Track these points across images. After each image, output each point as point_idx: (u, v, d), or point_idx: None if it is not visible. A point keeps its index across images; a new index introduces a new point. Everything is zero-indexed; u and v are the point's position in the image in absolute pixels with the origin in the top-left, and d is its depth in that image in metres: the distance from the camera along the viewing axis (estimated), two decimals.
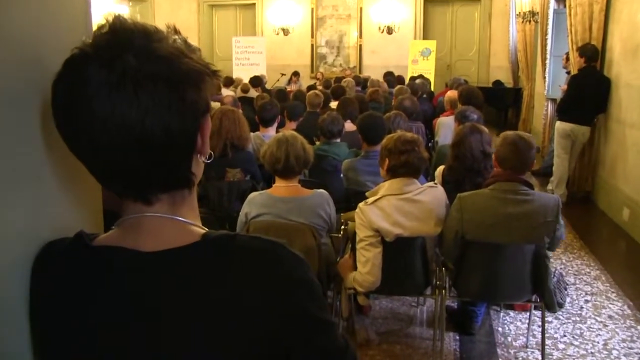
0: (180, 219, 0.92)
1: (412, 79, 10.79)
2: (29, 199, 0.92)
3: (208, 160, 0.94)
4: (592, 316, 3.98)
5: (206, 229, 0.94)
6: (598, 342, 3.63)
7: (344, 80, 9.57)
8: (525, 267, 3.10)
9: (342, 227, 3.79)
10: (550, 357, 3.46)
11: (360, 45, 15.13)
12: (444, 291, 3.38)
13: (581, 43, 6.67)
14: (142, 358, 0.85)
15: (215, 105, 5.74)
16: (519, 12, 11.27)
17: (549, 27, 9.21)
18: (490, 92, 11.94)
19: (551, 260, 3.33)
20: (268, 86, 11.79)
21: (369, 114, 4.46)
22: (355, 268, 3.16)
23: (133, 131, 0.80)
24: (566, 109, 6.66)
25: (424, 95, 9.19)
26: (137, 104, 0.79)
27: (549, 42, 9.17)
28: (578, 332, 3.75)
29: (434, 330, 3.54)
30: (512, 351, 3.54)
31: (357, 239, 3.10)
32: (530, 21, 10.89)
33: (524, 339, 3.66)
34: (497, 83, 13.09)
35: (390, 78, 10.90)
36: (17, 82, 0.88)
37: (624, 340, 3.65)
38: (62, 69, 0.83)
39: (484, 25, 14.28)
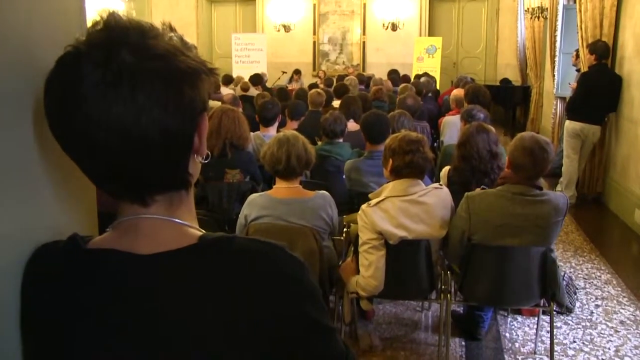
0: (177, 220, 0.92)
1: (417, 77, 10.81)
2: (21, 201, 0.92)
3: (205, 160, 0.94)
4: (603, 321, 3.96)
5: (203, 231, 0.94)
6: (609, 349, 3.62)
7: (347, 78, 9.58)
8: (534, 271, 3.10)
9: (345, 229, 3.79)
10: None
11: (364, 43, 15.15)
12: (449, 295, 3.38)
13: (592, 40, 6.64)
14: None
15: (215, 104, 5.74)
16: (528, 8, 11.25)
17: (558, 23, 9.19)
18: (498, 90, 11.96)
19: (560, 263, 3.33)
20: (269, 84, 11.81)
21: (372, 113, 4.45)
22: (358, 272, 3.16)
23: (129, 131, 0.80)
24: (576, 107, 6.66)
25: (429, 94, 9.20)
26: (133, 103, 0.79)
27: (558, 38, 9.15)
28: (588, 338, 3.74)
29: (439, 336, 3.53)
30: (519, 357, 3.53)
31: (360, 241, 3.10)
32: (539, 17, 10.87)
33: (532, 345, 3.65)
34: (505, 81, 13.07)
35: (395, 76, 10.91)
36: (8, 80, 0.88)
37: (636, 347, 3.64)
38: (55, 68, 0.83)
39: (491, 21, 14.30)
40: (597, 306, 4.19)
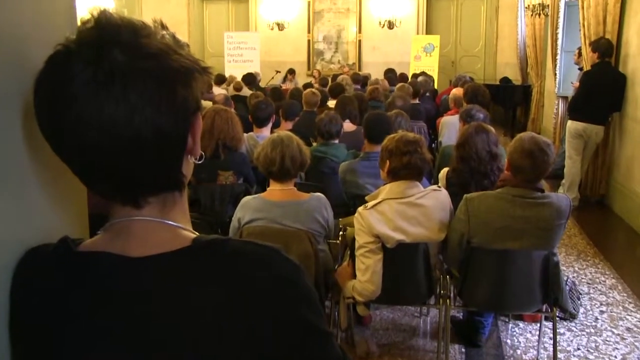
0: (171, 222, 0.92)
1: (415, 76, 10.82)
2: (10, 203, 0.92)
3: (199, 161, 0.95)
4: (609, 328, 3.95)
5: (197, 234, 0.95)
6: (615, 357, 3.61)
7: (340, 77, 9.58)
8: (536, 275, 3.11)
9: (341, 232, 3.80)
10: None
11: (360, 41, 15.18)
12: (448, 300, 3.39)
13: (594, 37, 6.66)
14: None
15: (207, 104, 5.76)
16: (528, 5, 11.27)
17: (560, 20, 9.25)
18: (498, 89, 11.98)
19: (562, 268, 3.33)
20: (262, 84, 11.81)
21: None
22: (354, 276, 3.17)
23: (121, 131, 0.80)
24: (578, 107, 6.67)
25: (427, 94, 9.21)
26: (125, 103, 0.79)
27: (560, 36, 9.21)
28: (593, 345, 3.74)
29: (438, 342, 3.54)
30: None
31: (357, 245, 3.11)
32: (540, 14, 10.89)
33: (534, 352, 3.66)
34: (505, 80, 13.09)
35: (392, 75, 10.91)
36: None
37: None
38: (45, 67, 0.84)
39: (490, 19, 14.34)
40: (602, 312, 4.19)
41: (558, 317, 3.57)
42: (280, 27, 15.29)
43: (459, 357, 3.63)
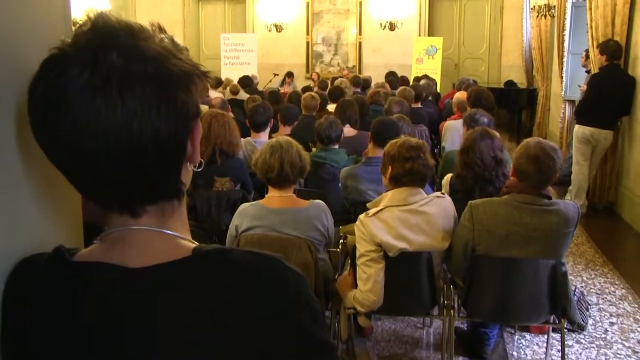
0: (169, 232, 0.92)
1: (417, 79, 10.81)
2: (2, 211, 0.91)
3: (198, 168, 0.95)
4: (619, 341, 3.93)
5: (196, 243, 0.95)
6: None
7: (338, 80, 9.59)
8: (543, 284, 3.10)
9: (341, 241, 3.80)
10: None
11: (360, 43, 15.19)
12: (452, 311, 3.39)
13: (602, 39, 6.65)
14: None
15: (204, 108, 5.75)
16: (534, 6, 11.29)
17: (566, 21, 9.24)
18: (502, 93, 12.00)
19: (570, 277, 3.33)
20: (259, 87, 11.82)
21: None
22: (355, 286, 3.16)
23: (119, 137, 0.80)
24: (586, 111, 6.67)
25: (429, 97, 9.22)
26: (123, 108, 0.79)
27: (566, 38, 9.20)
28: (603, 358, 3.72)
29: (441, 354, 3.54)
30: None
31: (358, 254, 3.11)
32: (546, 15, 10.92)
33: None
34: (510, 83, 13.13)
35: (393, 78, 10.91)
36: None
37: None
38: (40, 71, 0.83)
39: (495, 20, 14.38)
40: (611, 324, 4.18)
41: (566, 328, 3.56)
42: (278, 28, 15.29)
43: None
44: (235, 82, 10.56)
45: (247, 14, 15.84)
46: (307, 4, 15.25)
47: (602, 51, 6.45)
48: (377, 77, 11.37)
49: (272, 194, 3.24)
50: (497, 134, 3.80)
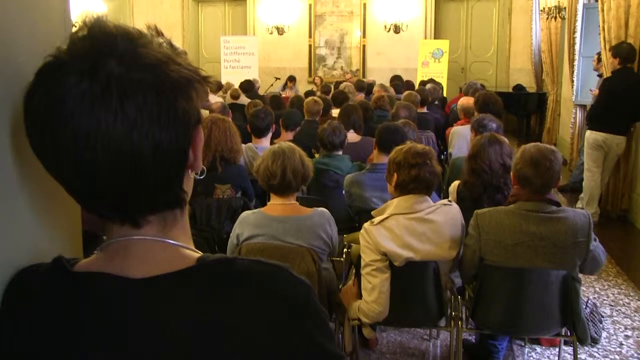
0: (172, 241, 0.92)
1: (422, 83, 10.83)
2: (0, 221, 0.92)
3: (200, 176, 0.96)
4: (635, 355, 3.90)
5: (200, 252, 0.95)
6: None
7: (342, 84, 9.59)
8: (554, 296, 3.09)
9: (345, 250, 3.80)
10: None
11: (364, 46, 15.22)
12: (460, 322, 3.39)
13: (615, 42, 6.64)
14: None
15: (204, 113, 5.76)
16: (543, 8, 11.27)
17: (577, 23, 9.24)
18: (511, 98, 11.98)
19: (583, 288, 3.31)
20: (261, 92, 11.85)
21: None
22: (360, 296, 3.16)
23: (120, 147, 0.80)
24: (598, 116, 6.66)
25: (436, 102, 9.23)
26: (123, 117, 0.79)
27: (577, 40, 9.20)
28: None
29: None
30: None
31: (362, 263, 3.11)
32: (556, 17, 10.92)
33: None
34: (518, 88, 13.10)
35: (398, 82, 10.92)
36: None
37: None
38: (36, 80, 0.83)
39: (503, 22, 14.39)
40: (627, 337, 4.15)
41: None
42: (280, 31, 15.31)
43: None
44: (236, 86, 10.58)
45: (247, 16, 15.88)
46: (310, 5, 15.28)
47: (615, 54, 6.43)
48: (381, 81, 11.35)
49: (274, 202, 3.24)
50: (506, 140, 3.81)
